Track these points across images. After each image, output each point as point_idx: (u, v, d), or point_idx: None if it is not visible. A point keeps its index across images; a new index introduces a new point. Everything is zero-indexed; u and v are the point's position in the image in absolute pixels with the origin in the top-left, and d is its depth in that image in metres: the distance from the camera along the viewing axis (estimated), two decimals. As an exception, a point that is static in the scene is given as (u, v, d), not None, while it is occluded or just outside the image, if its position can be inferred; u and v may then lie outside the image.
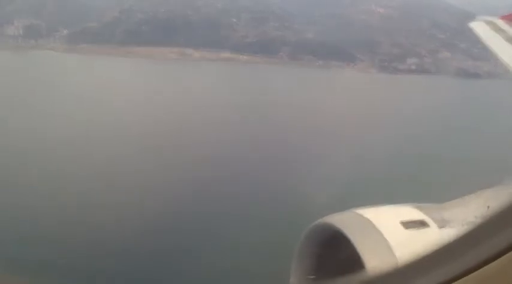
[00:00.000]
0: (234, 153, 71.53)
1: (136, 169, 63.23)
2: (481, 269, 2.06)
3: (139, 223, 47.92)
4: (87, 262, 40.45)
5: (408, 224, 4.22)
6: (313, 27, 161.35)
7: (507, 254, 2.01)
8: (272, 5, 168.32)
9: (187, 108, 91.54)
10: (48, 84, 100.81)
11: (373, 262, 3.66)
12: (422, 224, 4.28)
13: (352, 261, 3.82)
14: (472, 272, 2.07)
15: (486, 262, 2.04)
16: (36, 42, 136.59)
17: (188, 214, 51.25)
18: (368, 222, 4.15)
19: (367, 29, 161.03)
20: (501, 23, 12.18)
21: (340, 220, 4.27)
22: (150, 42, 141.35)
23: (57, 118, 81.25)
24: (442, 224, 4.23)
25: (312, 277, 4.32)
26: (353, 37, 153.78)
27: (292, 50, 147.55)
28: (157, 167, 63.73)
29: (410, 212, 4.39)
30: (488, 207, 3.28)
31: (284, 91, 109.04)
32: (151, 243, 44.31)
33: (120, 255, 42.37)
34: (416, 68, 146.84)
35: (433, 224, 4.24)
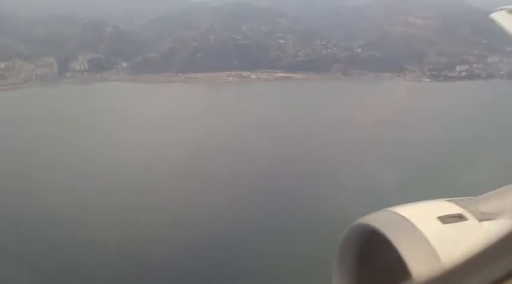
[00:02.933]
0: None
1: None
2: None
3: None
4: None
5: (445, 219, 4.08)
6: (357, 42, 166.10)
7: None
8: (312, 25, 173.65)
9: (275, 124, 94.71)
10: (130, 112, 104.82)
11: (415, 260, 3.66)
12: (460, 217, 4.10)
13: (392, 260, 3.83)
14: None
15: None
16: (101, 75, 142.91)
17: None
18: (405, 220, 4.08)
19: (410, 40, 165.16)
20: None
21: (377, 220, 4.18)
22: (207, 67, 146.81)
23: (148, 146, 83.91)
24: (480, 217, 4.09)
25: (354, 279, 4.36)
26: (398, 48, 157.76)
27: (343, 66, 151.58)
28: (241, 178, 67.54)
29: (446, 206, 4.29)
30: None
31: (354, 103, 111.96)
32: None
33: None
34: (466, 75, 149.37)
35: (471, 218, 4.09)
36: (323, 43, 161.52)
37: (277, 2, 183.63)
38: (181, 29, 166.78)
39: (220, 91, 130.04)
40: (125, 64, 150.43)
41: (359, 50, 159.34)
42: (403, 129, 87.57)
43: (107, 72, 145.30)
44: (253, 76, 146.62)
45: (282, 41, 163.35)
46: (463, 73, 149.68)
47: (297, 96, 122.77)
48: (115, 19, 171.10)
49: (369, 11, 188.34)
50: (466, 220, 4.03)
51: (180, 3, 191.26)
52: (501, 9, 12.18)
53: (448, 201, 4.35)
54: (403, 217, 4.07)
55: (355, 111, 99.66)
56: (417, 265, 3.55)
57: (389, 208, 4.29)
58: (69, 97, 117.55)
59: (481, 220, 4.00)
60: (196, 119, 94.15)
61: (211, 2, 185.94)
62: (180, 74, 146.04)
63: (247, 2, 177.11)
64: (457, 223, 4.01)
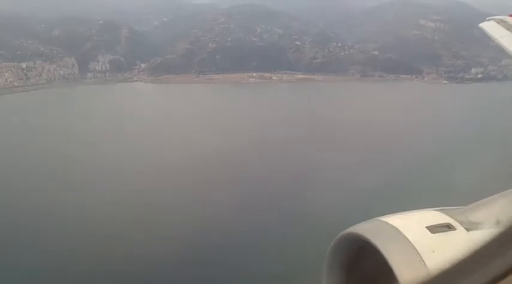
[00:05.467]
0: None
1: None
2: None
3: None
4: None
5: (434, 229, 4.14)
6: (372, 45, 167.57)
7: None
8: (325, 28, 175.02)
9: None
10: (167, 112, 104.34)
11: (403, 270, 3.71)
12: (448, 227, 4.18)
13: (381, 270, 3.86)
14: (508, 275, 1.96)
15: None
16: (122, 75, 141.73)
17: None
18: (394, 229, 4.12)
19: (423, 42, 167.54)
20: None
21: (366, 229, 4.21)
22: (226, 68, 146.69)
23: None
24: (469, 226, 4.16)
25: None
26: (412, 51, 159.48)
27: (362, 68, 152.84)
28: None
29: (435, 216, 4.35)
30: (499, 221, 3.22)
31: (397, 105, 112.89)
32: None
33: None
34: (482, 76, 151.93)
35: (459, 227, 4.16)
36: (339, 45, 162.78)
37: (287, 5, 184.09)
38: (195, 30, 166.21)
39: (252, 93, 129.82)
40: (143, 65, 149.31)
41: (375, 52, 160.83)
42: (459, 128, 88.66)
43: (127, 73, 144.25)
44: (274, 77, 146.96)
45: (298, 43, 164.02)
46: (479, 75, 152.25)
47: (333, 97, 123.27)
48: (127, 21, 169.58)
49: (379, 14, 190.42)
50: (455, 229, 4.10)
51: (185, 4, 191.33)
52: (490, 19, 12.51)
53: (437, 210, 4.42)
54: (392, 226, 4.11)
55: (403, 113, 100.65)
56: (404, 273, 3.61)
57: (378, 217, 4.32)
58: (104, 97, 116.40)
59: (469, 230, 4.06)
60: (250, 119, 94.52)
61: (218, 3, 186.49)
62: (200, 75, 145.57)
63: (259, 4, 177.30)
64: (446, 232, 4.07)
